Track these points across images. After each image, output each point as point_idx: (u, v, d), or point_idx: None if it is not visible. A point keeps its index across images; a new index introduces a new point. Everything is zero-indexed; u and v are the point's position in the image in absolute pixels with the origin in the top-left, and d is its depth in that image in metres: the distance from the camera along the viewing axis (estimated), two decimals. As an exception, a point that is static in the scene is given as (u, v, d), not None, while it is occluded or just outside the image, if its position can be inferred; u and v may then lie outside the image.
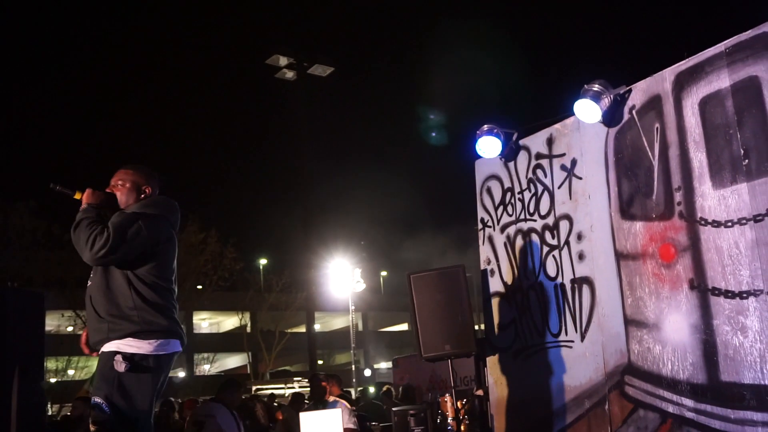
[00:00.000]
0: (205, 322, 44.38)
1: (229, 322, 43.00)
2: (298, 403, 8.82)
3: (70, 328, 29.98)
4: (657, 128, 4.80)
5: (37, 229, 23.13)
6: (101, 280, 3.57)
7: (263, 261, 38.58)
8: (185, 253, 26.15)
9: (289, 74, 17.86)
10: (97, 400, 3.38)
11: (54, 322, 27.90)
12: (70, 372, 33.87)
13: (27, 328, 4.67)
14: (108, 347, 3.50)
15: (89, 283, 3.66)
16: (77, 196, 3.68)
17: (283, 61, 17.55)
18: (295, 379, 26.45)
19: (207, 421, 6.43)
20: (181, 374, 39.49)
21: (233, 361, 43.23)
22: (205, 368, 41.38)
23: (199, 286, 28.54)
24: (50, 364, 29.48)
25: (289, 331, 36.43)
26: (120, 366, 3.42)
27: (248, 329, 36.87)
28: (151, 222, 3.60)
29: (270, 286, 34.09)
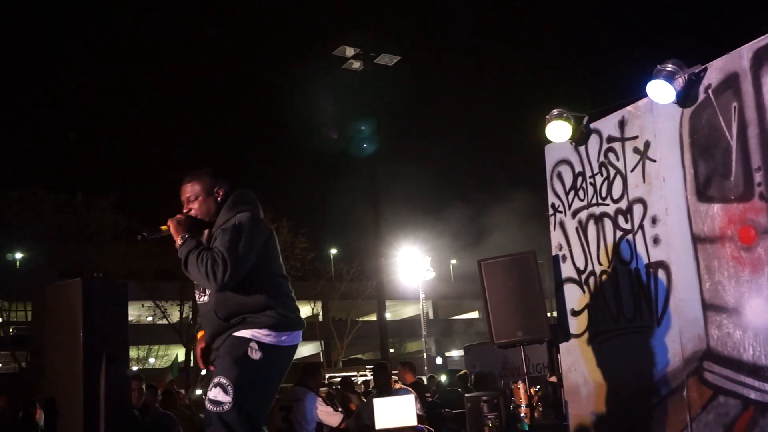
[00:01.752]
0: (278, 311, 45.12)
1: (301, 311, 43.52)
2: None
3: (149, 318, 31.05)
4: (735, 107, 4.65)
5: (118, 223, 23.99)
6: (223, 292, 3.57)
7: (333, 251, 39.00)
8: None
9: (356, 64, 17.98)
10: (223, 381, 3.37)
11: (135, 312, 28.91)
12: (151, 360, 35.10)
13: (112, 317, 4.88)
14: (242, 333, 3.50)
15: (206, 297, 3.65)
16: (165, 230, 3.66)
17: (350, 51, 17.68)
18: (367, 367, 26.73)
19: (294, 405, 6.57)
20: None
21: (306, 349, 43.93)
22: (279, 356, 42.13)
23: (271, 276, 29.00)
24: (132, 352, 30.59)
25: (360, 319, 36.77)
26: (255, 354, 3.45)
27: (320, 318, 37.38)
28: (251, 226, 3.56)
29: (341, 275, 34.46)
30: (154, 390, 7.32)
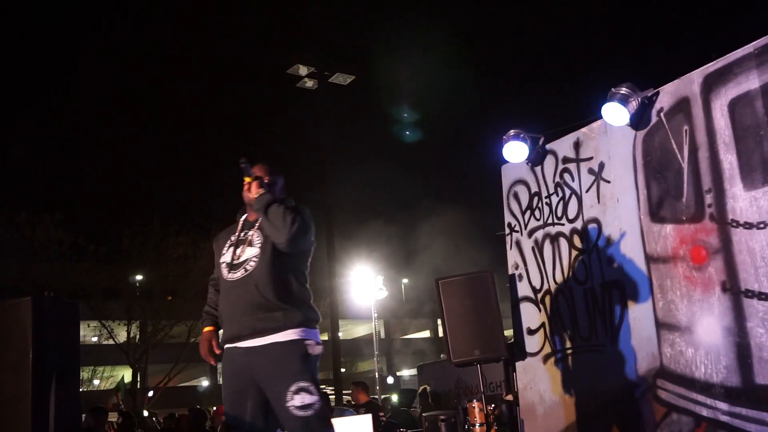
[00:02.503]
0: (227, 331, 44.55)
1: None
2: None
3: (94, 339, 30.30)
4: (686, 130, 4.79)
5: (63, 241, 23.40)
6: (269, 268, 3.49)
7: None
8: (208, 262, 26.34)
9: (310, 83, 17.95)
10: (303, 384, 3.33)
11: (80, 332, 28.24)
12: (95, 382, 34.19)
13: (63, 337, 4.73)
14: (285, 336, 3.42)
15: (240, 273, 3.54)
16: (247, 179, 3.63)
17: (304, 70, 17.64)
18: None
19: None
20: (205, 383, 39.69)
21: (256, 369, 43.36)
22: (229, 377, 41.50)
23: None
24: (76, 374, 29.77)
25: (311, 339, 36.40)
26: (315, 349, 3.44)
27: (271, 338, 36.96)
28: (311, 218, 3.64)
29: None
30: (103, 413, 7.14)
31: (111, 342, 26.55)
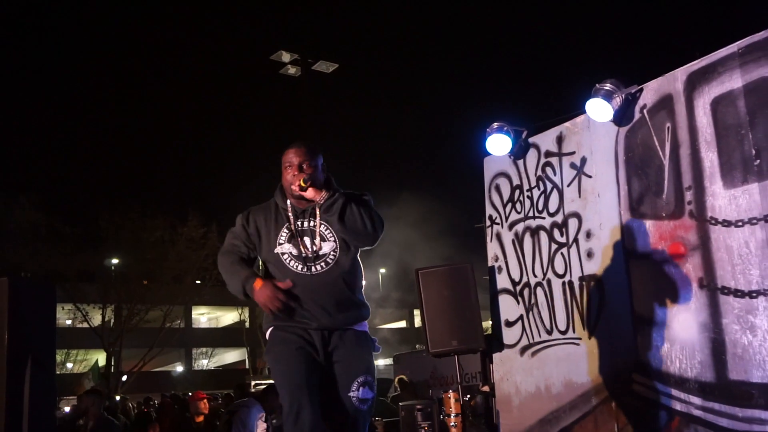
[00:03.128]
0: (204, 317, 44.40)
1: (228, 317, 43.01)
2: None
3: (68, 322, 30.03)
4: (668, 127, 4.82)
5: (39, 222, 23.14)
6: (350, 263, 3.45)
7: (262, 256, 38.53)
8: (186, 247, 26.17)
9: (293, 70, 17.85)
10: (369, 378, 3.35)
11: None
12: (69, 365, 33.92)
13: (39, 319, 4.68)
14: (361, 327, 3.46)
15: (319, 267, 3.38)
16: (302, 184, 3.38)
17: (287, 57, 17.54)
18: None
19: (239, 410, 6.67)
20: (179, 368, 39.53)
21: (231, 356, 43.26)
22: (203, 363, 41.41)
23: (198, 281, 28.55)
24: (49, 356, 29.51)
25: (287, 326, 36.38)
26: (376, 348, 3.51)
27: (247, 324, 36.88)
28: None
29: (270, 282, 34.04)
30: (96, 394, 7.11)
31: (85, 325, 26.33)
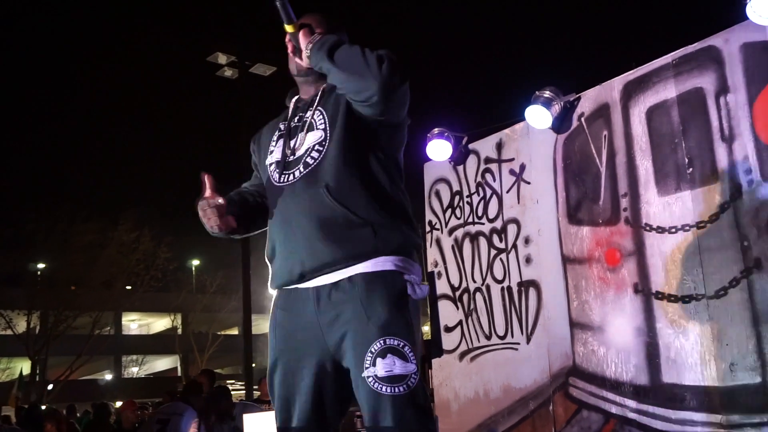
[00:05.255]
0: (134, 323, 43.35)
1: (159, 323, 42.09)
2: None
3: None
4: (605, 135, 4.92)
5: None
6: (343, 157, 2.24)
7: (196, 261, 37.91)
8: (116, 252, 25.52)
9: (230, 72, 17.62)
10: (395, 342, 2.09)
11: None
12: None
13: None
14: (375, 265, 2.18)
15: (297, 172, 2.29)
16: (289, 28, 2.36)
17: (223, 58, 17.31)
18: (227, 382, 26.04)
19: (173, 419, 6.32)
20: (108, 376, 38.45)
21: (163, 363, 42.29)
22: (134, 371, 40.41)
23: (129, 287, 27.90)
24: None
25: (222, 333, 35.89)
26: (418, 290, 2.24)
27: (179, 331, 36.17)
28: None
29: (204, 287, 33.53)
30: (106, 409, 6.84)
31: (9, 332, 25.36)
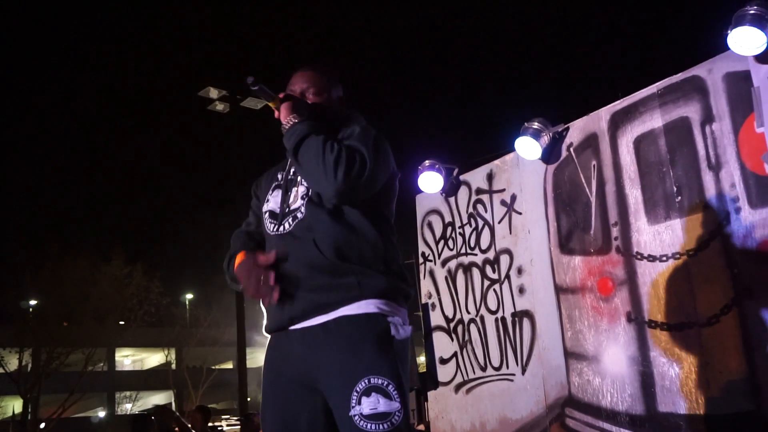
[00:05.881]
0: (127, 359, 42.98)
1: (153, 358, 41.77)
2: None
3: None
4: (594, 165, 4.96)
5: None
6: (330, 212, 2.38)
7: (189, 296, 37.76)
8: (108, 287, 25.37)
9: (221, 107, 17.72)
10: (379, 380, 2.18)
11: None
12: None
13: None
14: (358, 308, 2.28)
15: (287, 224, 2.43)
16: (277, 100, 2.48)
17: (215, 93, 17.42)
18: (223, 417, 25.79)
19: None
20: (101, 413, 38.01)
21: (157, 399, 41.83)
22: (127, 407, 39.97)
23: (122, 322, 27.70)
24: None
25: (216, 367, 35.62)
26: (401, 331, 2.31)
27: (173, 366, 35.87)
28: (384, 139, 2.49)
29: (197, 321, 33.34)
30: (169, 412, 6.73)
31: (0, 371, 25.09)
